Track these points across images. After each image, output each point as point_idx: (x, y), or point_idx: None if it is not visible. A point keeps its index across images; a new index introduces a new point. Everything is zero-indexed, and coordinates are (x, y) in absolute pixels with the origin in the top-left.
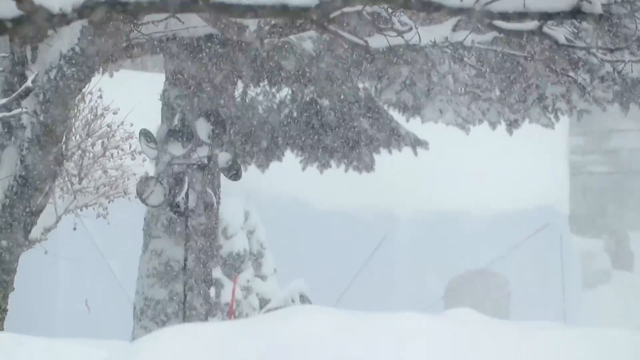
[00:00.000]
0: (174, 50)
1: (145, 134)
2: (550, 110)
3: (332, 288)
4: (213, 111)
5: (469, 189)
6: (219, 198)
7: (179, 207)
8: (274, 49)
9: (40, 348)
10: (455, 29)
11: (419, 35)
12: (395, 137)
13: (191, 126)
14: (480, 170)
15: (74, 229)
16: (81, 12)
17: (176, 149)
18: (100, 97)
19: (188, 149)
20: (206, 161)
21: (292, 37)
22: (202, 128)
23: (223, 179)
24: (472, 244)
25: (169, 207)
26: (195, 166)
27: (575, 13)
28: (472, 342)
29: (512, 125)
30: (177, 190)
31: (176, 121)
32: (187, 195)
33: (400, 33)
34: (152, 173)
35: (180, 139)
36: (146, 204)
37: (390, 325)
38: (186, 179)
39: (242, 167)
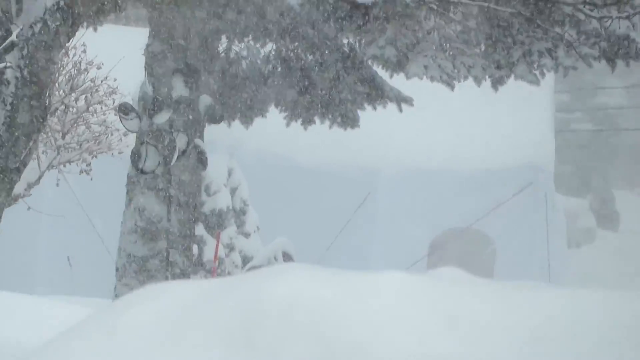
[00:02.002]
0: (158, 3)
1: (121, 109)
2: (535, 67)
3: (315, 246)
4: (185, 65)
5: (453, 146)
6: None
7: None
8: (260, 2)
9: (22, 305)
10: None
11: None
12: (379, 93)
13: (168, 85)
14: (464, 127)
15: (57, 184)
16: None
17: (160, 118)
18: (84, 51)
19: (170, 112)
20: (189, 116)
21: None
22: (178, 82)
23: (206, 135)
24: (456, 202)
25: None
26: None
27: None
28: (458, 301)
29: (498, 81)
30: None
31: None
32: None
33: None
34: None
35: (161, 109)
36: (144, 172)
37: (375, 284)
38: (174, 129)
39: (226, 122)
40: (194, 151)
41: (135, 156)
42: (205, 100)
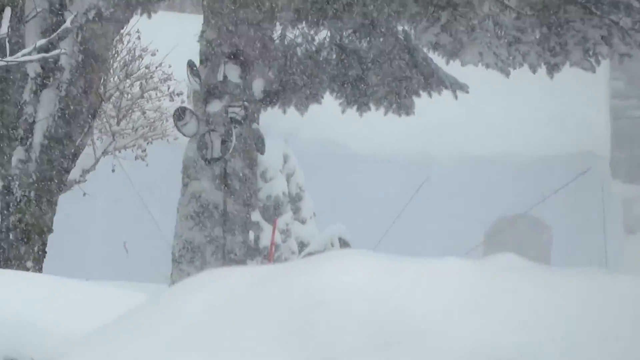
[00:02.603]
0: None
1: (176, 115)
2: (591, 54)
3: (371, 232)
4: (238, 52)
5: (509, 134)
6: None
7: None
8: None
9: (78, 290)
10: None
11: None
12: (434, 80)
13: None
14: (520, 114)
15: (112, 170)
16: None
17: (233, 74)
18: (139, 38)
19: (244, 79)
20: (243, 111)
21: None
22: (232, 70)
23: (262, 122)
24: (512, 189)
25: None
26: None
27: None
28: (516, 287)
29: (553, 68)
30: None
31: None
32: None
33: None
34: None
35: (215, 97)
36: (181, 132)
37: (433, 271)
38: (229, 117)
39: (281, 109)
40: (251, 136)
41: (201, 146)
42: (259, 84)
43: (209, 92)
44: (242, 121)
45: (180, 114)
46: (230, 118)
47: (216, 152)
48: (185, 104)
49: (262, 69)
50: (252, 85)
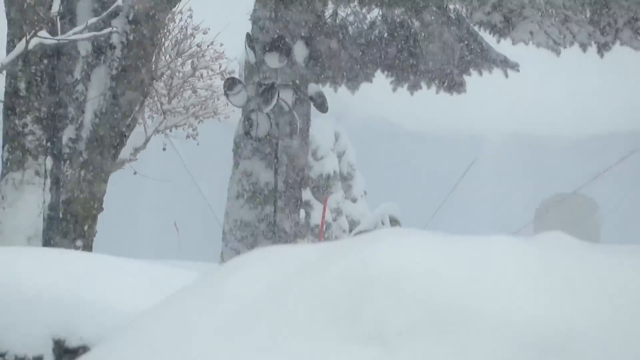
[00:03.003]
0: None
1: (227, 85)
2: None
3: (422, 211)
4: (311, 38)
5: (558, 112)
6: (309, 120)
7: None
8: None
9: (128, 269)
10: None
11: None
12: (485, 59)
13: (288, 44)
14: (570, 93)
15: (164, 149)
16: None
17: (273, 60)
18: (190, 16)
19: (284, 64)
20: (298, 82)
21: None
22: (300, 51)
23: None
24: (562, 168)
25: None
26: (285, 86)
27: None
28: (568, 266)
29: (603, 47)
30: (265, 104)
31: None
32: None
33: None
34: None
35: (278, 51)
36: (230, 102)
37: (483, 249)
38: (276, 92)
39: (332, 87)
40: (305, 103)
41: (247, 124)
42: (314, 87)
43: (263, 86)
44: (291, 108)
45: (230, 84)
46: (280, 106)
47: (262, 131)
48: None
49: (317, 50)
50: (294, 51)
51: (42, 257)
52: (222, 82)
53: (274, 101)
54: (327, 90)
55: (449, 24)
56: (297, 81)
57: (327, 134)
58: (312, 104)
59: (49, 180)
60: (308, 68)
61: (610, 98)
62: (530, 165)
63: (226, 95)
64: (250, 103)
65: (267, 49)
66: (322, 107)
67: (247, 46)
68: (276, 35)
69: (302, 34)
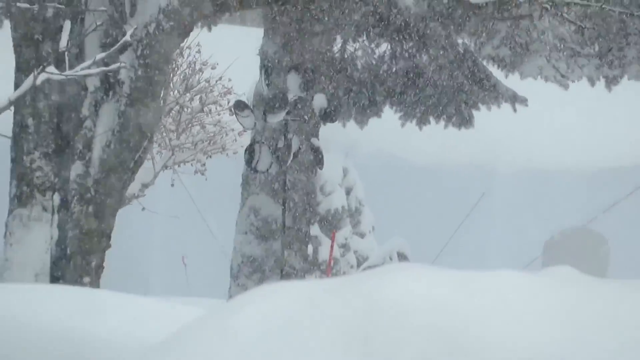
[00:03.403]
0: (273, 5)
1: (237, 106)
2: None
3: (431, 246)
4: (301, 63)
5: (567, 146)
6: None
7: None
8: (373, 3)
9: (134, 305)
10: None
11: None
12: (494, 93)
13: (283, 85)
14: (578, 127)
15: (172, 185)
16: None
17: (274, 118)
18: (199, 51)
19: (285, 112)
20: (300, 109)
21: None
22: (293, 81)
23: (321, 135)
24: (571, 202)
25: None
26: (292, 121)
27: None
28: (574, 301)
29: (611, 81)
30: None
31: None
32: (287, 148)
33: None
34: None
35: (275, 109)
36: (257, 172)
37: (490, 284)
38: (289, 130)
39: (341, 123)
40: (309, 150)
41: (249, 155)
42: (320, 99)
43: (269, 103)
44: (301, 134)
45: (240, 107)
46: (289, 130)
47: (263, 164)
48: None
49: (323, 83)
50: (313, 101)
51: (50, 294)
52: (230, 117)
53: (282, 115)
54: (335, 125)
55: (458, 59)
56: (305, 117)
57: (335, 169)
58: (321, 119)
59: (56, 217)
60: (323, 120)
61: (618, 132)
62: (538, 199)
63: (236, 114)
64: (256, 135)
65: (288, 71)
66: (332, 118)
67: (237, 115)
68: (298, 61)
69: (295, 64)
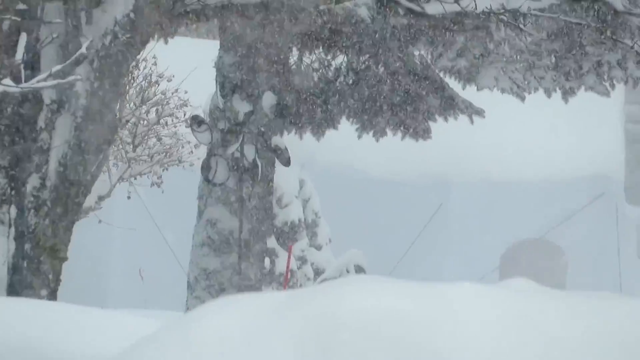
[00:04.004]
0: (229, 17)
1: (194, 121)
2: (605, 78)
3: (388, 257)
4: (279, 90)
5: (523, 158)
6: (274, 168)
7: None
8: (329, 15)
9: (91, 318)
10: None
11: (474, 1)
12: (450, 105)
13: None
14: (535, 138)
15: (128, 197)
16: None
17: (239, 105)
18: (155, 64)
19: (250, 109)
20: (263, 129)
21: (347, 3)
22: (268, 100)
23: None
24: (527, 213)
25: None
26: (250, 133)
27: None
28: (530, 312)
29: (568, 93)
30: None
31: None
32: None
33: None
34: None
35: (245, 95)
36: (215, 184)
37: (447, 295)
38: (241, 136)
39: (297, 135)
40: (270, 152)
41: (205, 168)
42: (268, 97)
43: (227, 134)
44: (254, 143)
45: (196, 122)
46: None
47: (220, 176)
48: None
49: (273, 96)
50: (263, 101)
51: (6, 306)
52: (187, 129)
53: (237, 145)
54: (292, 137)
55: (414, 70)
56: (262, 129)
57: (292, 181)
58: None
59: (13, 229)
60: (275, 117)
61: (575, 143)
62: (495, 211)
63: (192, 131)
64: (213, 148)
65: (233, 92)
66: (285, 160)
67: (193, 130)
68: (241, 81)
69: (270, 84)
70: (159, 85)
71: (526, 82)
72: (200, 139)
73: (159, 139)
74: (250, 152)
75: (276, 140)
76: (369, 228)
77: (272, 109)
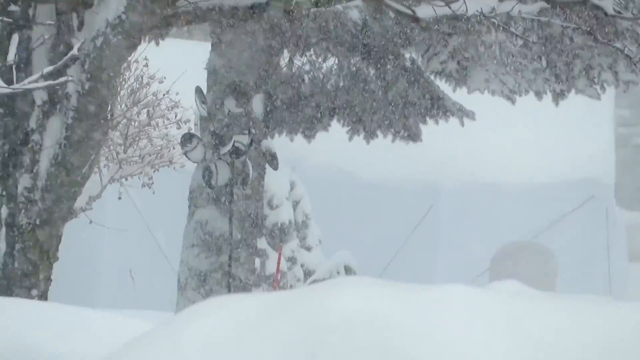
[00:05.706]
0: (220, 19)
1: (199, 92)
2: (596, 82)
3: (377, 259)
4: (270, 94)
5: (514, 160)
6: (264, 169)
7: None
8: (321, 18)
9: (82, 318)
10: None
11: (465, 4)
12: (441, 107)
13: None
14: (525, 141)
15: (119, 198)
16: None
17: (231, 105)
18: (146, 65)
19: (241, 110)
20: (253, 130)
21: (338, 6)
22: (258, 104)
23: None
24: (517, 216)
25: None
26: (241, 134)
27: None
28: (519, 314)
29: (558, 96)
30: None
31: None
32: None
33: (447, 2)
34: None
35: (237, 96)
36: (188, 158)
37: (437, 298)
38: (232, 135)
39: (289, 136)
40: (258, 161)
41: (207, 175)
42: (258, 101)
43: (218, 136)
44: (246, 150)
45: (187, 140)
46: (235, 148)
47: (222, 179)
48: (193, 131)
49: (267, 97)
50: (252, 105)
51: None
52: (178, 130)
53: (230, 144)
54: (283, 139)
55: (405, 73)
56: (253, 130)
57: (282, 182)
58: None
59: (4, 230)
60: (265, 119)
61: (565, 146)
62: (485, 213)
63: (185, 153)
64: (207, 156)
65: (226, 92)
66: (274, 164)
67: (197, 100)
68: (232, 83)
69: (260, 86)
70: (150, 86)
71: (517, 85)
72: (193, 157)
73: (150, 140)
74: (243, 144)
75: (266, 143)
76: (359, 229)
77: (262, 111)
